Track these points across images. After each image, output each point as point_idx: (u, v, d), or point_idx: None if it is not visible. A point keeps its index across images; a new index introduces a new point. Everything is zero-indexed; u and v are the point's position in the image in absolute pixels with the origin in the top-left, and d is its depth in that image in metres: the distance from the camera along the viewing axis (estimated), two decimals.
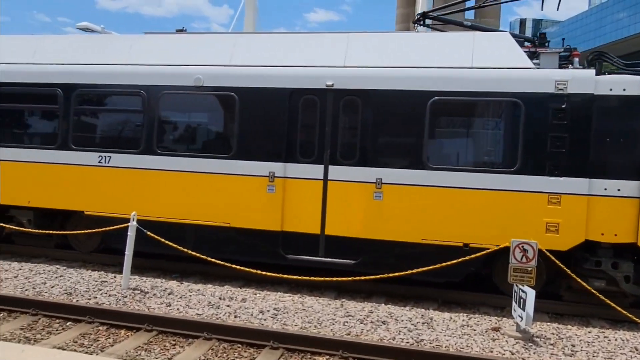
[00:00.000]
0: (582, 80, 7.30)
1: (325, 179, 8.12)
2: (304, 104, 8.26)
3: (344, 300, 7.74)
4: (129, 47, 9.31)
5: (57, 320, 6.22)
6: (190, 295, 7.51)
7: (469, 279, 8.08)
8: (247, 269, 7.78)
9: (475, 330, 6.62)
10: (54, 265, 8.96)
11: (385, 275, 7.54)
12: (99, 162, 8.96)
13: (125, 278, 7.66)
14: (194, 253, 8.03)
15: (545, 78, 7.43)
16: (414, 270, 7.54)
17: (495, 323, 6.94)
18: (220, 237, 8.45)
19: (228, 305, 7.10)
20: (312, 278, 7.69)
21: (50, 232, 8.99)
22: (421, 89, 7.79)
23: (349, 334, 6.21)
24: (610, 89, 7.24)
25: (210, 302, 7.19)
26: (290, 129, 8.27)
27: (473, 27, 9.26)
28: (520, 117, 7.42)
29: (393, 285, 8.19)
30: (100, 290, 7.51)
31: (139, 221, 7.92)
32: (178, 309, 6.83)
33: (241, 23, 18.81)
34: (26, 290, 7.34)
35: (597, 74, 7.41)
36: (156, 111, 8.78)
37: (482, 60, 7.78)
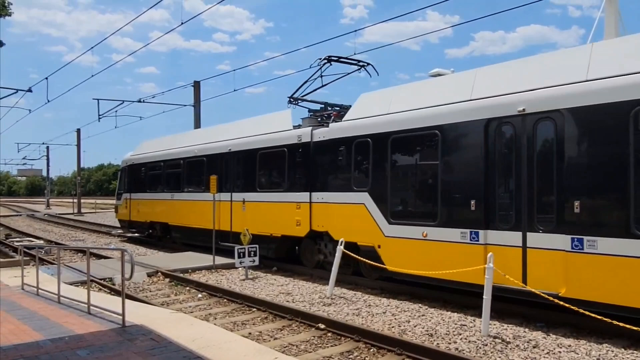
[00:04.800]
0: (305, 133, 12.26)
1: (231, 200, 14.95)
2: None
3: None
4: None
5: None
6: (560, 352, 6.49)
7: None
8: (631, 327, 6.27)
9: None
10: (416, 303, 9.31)
11: None
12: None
13: (484, 324, 7.24)
14: (541, 294, 7.05)
15: (294, 135, 12.63)
16: None
17: None
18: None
19: None
20: None
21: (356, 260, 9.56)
22: (253, 148, 14.11)
23: None
24: (319, 137, 11.88)
25: None
26: None
27: (322, 103, 14.30)
28: (287, 158, 12.82)
29: None
30: (460, 334, 7.29)
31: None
32: None
33: (600, 33, 16.56)
34: (392, 327, 7.75)
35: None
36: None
37: (276, 127, 13.45)
